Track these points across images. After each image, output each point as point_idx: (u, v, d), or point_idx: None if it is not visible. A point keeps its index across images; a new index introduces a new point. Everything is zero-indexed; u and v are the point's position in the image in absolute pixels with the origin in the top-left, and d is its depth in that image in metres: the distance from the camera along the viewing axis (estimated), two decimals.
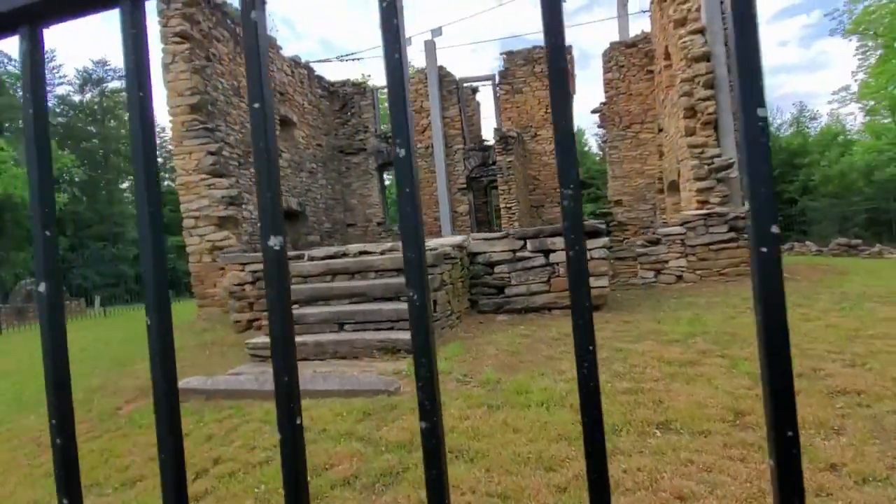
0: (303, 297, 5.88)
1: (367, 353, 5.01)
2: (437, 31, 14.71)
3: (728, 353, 4.39)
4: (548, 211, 14.84)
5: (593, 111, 14.96)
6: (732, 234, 8.16)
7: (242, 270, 7.68)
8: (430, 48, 15.11)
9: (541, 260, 6.63)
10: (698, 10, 10.00)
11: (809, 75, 72.94)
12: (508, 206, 12.99)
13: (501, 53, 15.14)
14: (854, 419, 2.99)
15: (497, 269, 6.79)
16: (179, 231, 30.04)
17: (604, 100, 14.85)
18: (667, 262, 8.44)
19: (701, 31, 9.86)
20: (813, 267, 9.49)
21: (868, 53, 22.29)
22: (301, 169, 14.37)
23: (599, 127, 15.13)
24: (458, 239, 6.79)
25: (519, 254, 6.73)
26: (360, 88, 16.58)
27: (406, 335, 5.01)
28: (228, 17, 11.98)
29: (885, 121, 17.86)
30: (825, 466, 2.50)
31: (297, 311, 5.61)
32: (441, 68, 15.45)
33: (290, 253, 7.59)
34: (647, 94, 14.27)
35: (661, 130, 13.37)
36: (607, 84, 14.74)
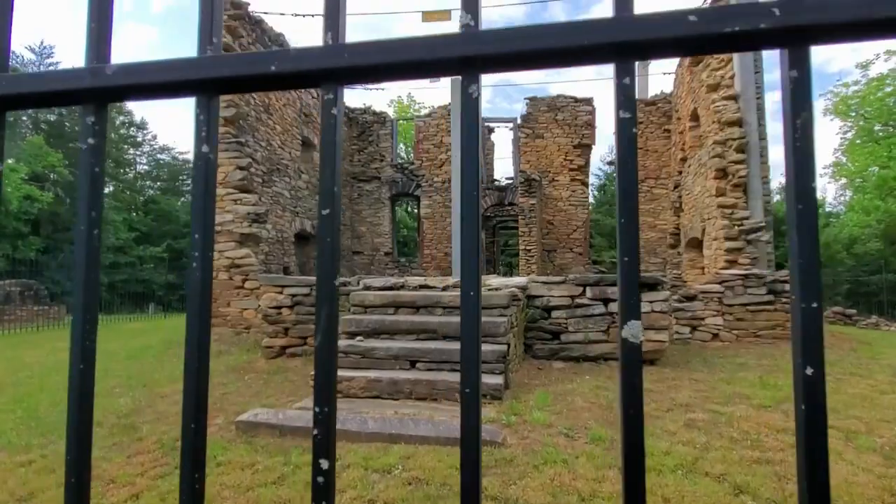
0: (366, 329, 5.59)
1: (447, 395, 4.73)
2: None
3: (833, 424, 4.30)
4: (560, 256, 14.91)
5: (609, 162, 15.29)
6: (771, 297, 8.27)
7: (281, 293, 7.31)
8: (456, 85, 15.29)
9: (600, 308, 6.53)
10: (732, 77, 10.44)
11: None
12: (528, 248, 12.98)
13: (525, 98, 15.49)
14: None
15: (554, 314, 6.64)
16: (158, 242, 28.91)
17: None
18: (703, 319, 8.46)
19: (734, 98, 10.27)
20: (836, 336, 9.67)
21: (848, 134, 23.72)
22: (316, 191, 14.11)
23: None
24: (521, 280, 6.64)
25: (578, 300, 6.61)
26: (380, 118, 16.60)
27: (490, 379, 4.78)
28: (266, 34, 11.89)
29: (878, 201, 18.94)
30: None
31: (363, 343, 5.31)
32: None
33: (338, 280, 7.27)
34: (663, 152, 14.73)
35: (676, 187, 13.73)
36: None
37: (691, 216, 11.89)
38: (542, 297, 6.71)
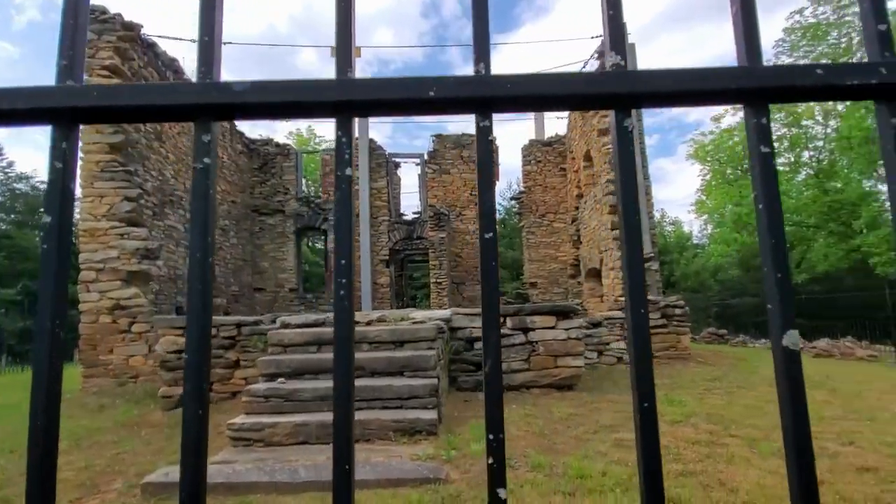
0: (288, 369, 5.24)
1: (381, 434, 4.53)
2: None
3: (735, 433, 4.75)
4: (469, 288, 15.22)
5: (513, 198, 16.12)
6: (664, 321, 9.06)
7: (182, 335, 6.62)
8: (363, 120, 15.35)
9: (521, 338, 6.72)
10: None
11: (666, 187, 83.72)
12: (439, 280, 13.09)
13: (432, 135, 15.94)
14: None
15: (477, 345, 6.71)
16: (12, 283, 25.03)
17: (522, 189, 16.14)
18: (608, 343, 9.04)
19: None
20: (717, 354, 10.80)
21: (706, 176, 27.25)
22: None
23: (518, 213, 16.27)
24: (444, 313, 6.64)
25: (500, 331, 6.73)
26: (284, 150, 16.07)
27: (425, 414, 4.67)
28: (160, 58, 11.13)
29: (735, 234, 21.88)
30: None
31: (286, 386, 4.96)
32: (371, 140, 15.71)
33: (249, 318, 6.79)
34: (561, 188, 15.84)
35: (574, 221, 14.78)
36: (526, 175, 16.13)
37: (589, 248, 12.83)
38: (464, 328, 6.76)
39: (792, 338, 0.63)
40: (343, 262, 0.64)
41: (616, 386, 7.02)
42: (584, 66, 13.00)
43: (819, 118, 22.97)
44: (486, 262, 0.60)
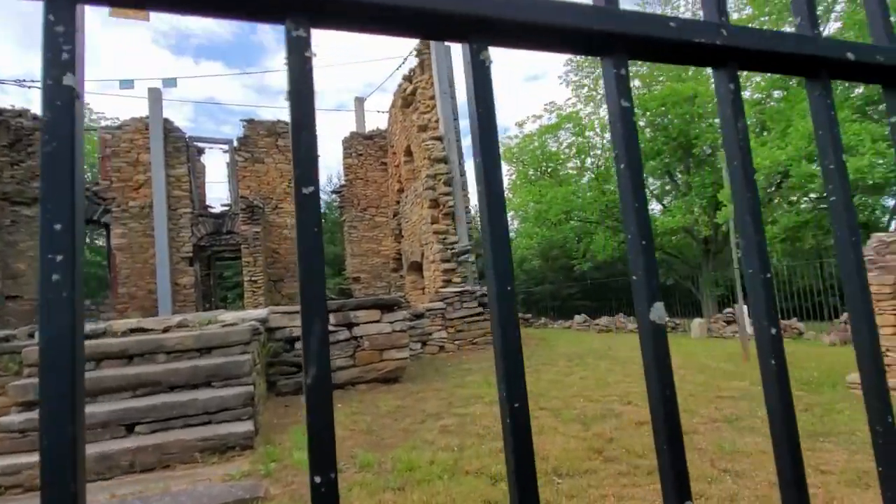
0: None
1: (184, 457, 3.90)
2: (170, 82, 13.10)
3: (543, 406, 5.22)
4: (288, 285, 14.31)
5: (334, 191, 15.65)
6: (480, 309, 9.67)
7: None
8: (154, 96, 13.25)
9: (345, 334, 6.49)
10: (437, 121, 12.04)
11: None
12: (254, 279, 12.00)
13: (242, 120, 14.53)
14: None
15: (298, 345, 6.28)
16: None
17: (343, 182, 15.77)
18: (431, 334, 9.31)
19: (440, 139, 11.84)
20: (524, 337, 11.93)
21: (513, 176, 30.18)
22: None
23: (339, 207, 15.85)
24: (260, 313, 6.03)
25: None
26: None
27: (238, 427, 4.17)
28: None
29: (536, 228, 24.64)
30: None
31: None
32: (167, 121, 13.65)
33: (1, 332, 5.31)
34: (382, 183, 15.89)
35: (395, 215, 14.96)
36: (347, 168, 15.79)
37: (411, 242, 13.11)
38: (283, 328, 6.27)
39: (657, 311, 0.58)
40: (58, 227, 0.39)
41: (439, 374, 7.24)
42: (403, 62, 13.21)
43: (598, 130, 27.06)
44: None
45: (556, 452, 3.91)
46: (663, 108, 20.73)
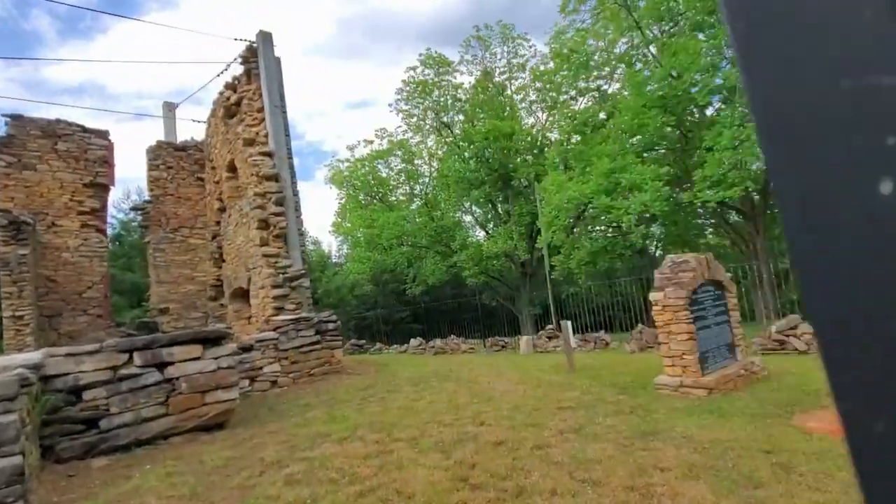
0: None
1: None
2: None
3: (398, 436, 4.86)
4: (67, 321, 11.52)
5: (134, 208, 13.30)
6: (318, 337, 8.97)
7: None
8: None
9: (155, 376, 5.33)
10: (266, 136, 11.11)
11: (306, 209, 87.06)
12: (19, 314, 9.32)
13: (6, 116, 11.48)
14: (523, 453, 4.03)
15: (88, 394, 4.95)
16: None
17: (148, 198, 13.52)
18: (261, 368, 8.29)
19: (270, 155, 10.93)
20: (362, 363, 11.44)
21: (343, 200, 29.65)
22: None
23: (142, 227, 13.52)
24: (31, 357, 4.57)
25: (122, 371, 5.17)
26: None
27: None
28: None
29: (367, 253, 24.33)
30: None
31: None
32: None
33: None
34: (198, 201, 14.04)
35: (215, 237, 13.30)
36: (154, 182, 13.60)
37: (235, 266, 11.71)
38: (65, 375, 4.88)
39: None
40: None
41: (275, 414, 6.39)
42: (226, 68, 11.97)
43: (426, 158, 28.16)
44: None
45: (420, 488, 3.58)
46: (486, 141, 22.42)
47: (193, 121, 14.40)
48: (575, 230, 20.55)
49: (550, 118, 24.94)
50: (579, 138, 21.31)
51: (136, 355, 5.26)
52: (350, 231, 28.11)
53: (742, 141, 12.73)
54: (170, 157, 13.86)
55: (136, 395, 5.14)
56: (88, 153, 12.35)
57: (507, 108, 25.58)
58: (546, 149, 24.09)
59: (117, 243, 23.50)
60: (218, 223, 13.01)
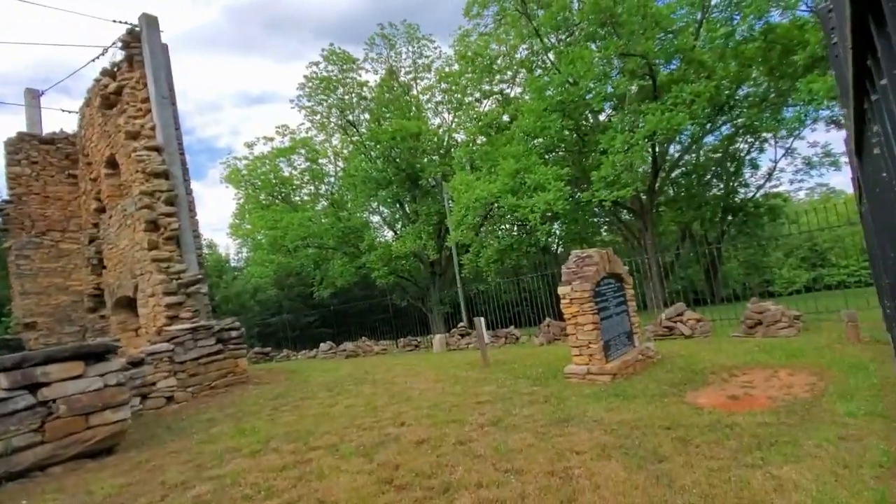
0: None
1: None
2: None
3: (315, 444, 4.65)
4: None
5: None
6: (220, 346, 8.36)
7: None
8: None
9: (27, 399, 4.63)
10: (153, 128, 10.14)
11: (199, 210, 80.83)
12: None
13: None
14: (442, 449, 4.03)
15: None
16: None
17: (7, 197, 11.76)
18: (154, 383, 7.55)
19: (157, 150, 9.99)
20: (270, 371, 10.85)
21: (241, 200, 27.99)
22: None
23: (2, 230, 11.72)
24: None
25: None
26: None
27: None
28: None
29: (272, 255, 23.10)
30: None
31: None
32: None
33: None
34: (70, 200, 12.45)
35: (92, 241, 11.87)
36: (14, 179, 11.82)
37: (119, 273, 10.53)
38: None
39: None
40: None
41: (174, 432, 5.84)
42: (103, 52, 10.71)
43: (331, 157, 27.40)
44: None
45: (344, 495, 3.45)
46: (394, 141, 22.31)
47: (63, 111, 12.75)
48: (482, 229, 21.12)
49: (456, 119, 25.41)
50: (485, 139, 21.93)
51: (1, 376, 4.53)
52: (250, 233, 26.64)
53: (632, 145, 13.83)
54: (34, 152, 12.14)
55: (4, 423, 4.43)
56: None
57: (414, 108, 25.67)
58: (453, 149, 24.53)
59: None
60: (96, 225, 11.61)
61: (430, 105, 26.21)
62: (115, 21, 10.32)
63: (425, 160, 24.58)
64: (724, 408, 4.80)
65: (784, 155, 22.74)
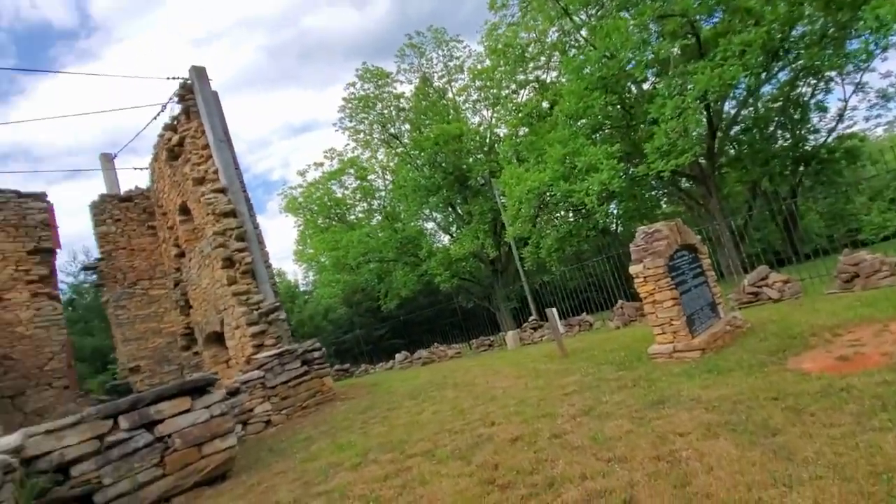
0: None
1: None
2: None
3: (412, 452, 4.75)
4: (33, 399, 10.78)
5: (85, 268, 12.64)
6: (305, 368, 8.72)
7: None
8: None
9: (145, 437, 5.02)
10: (216, 172, 10.77)
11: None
12: None
13: None
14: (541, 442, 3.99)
15: (76, 470, 4.61)
16: None
17: (100, 255, 12.87)
18: (252, 410, 7.99)
19: (223, 191, 10.59)
20: (353, 387, 11.20)
21: (301, 226, 29.10)
22: None
23: (97, 286, 12.84)
24: (8, 440, 4.22)
25: (109, 439, 4.86)
26: None
27: None
28: None
29: (337, 275, 23.90)
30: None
31: None
32: None
33: None
34: (153, 250, 13.46)
35: (177, 284, 12.77)
36: (103, 238, 12.94)
37: (205, 310, 11.26)
38: (48, 454, 4.53)
39: None
40: None
41: (276, 454, 6.15)
42: (162, 109, 11.53)
43: (379, 172, 27.99)
44: None
45: (450, 499, 3.50)
46: (437, 146, 22.49)
47: (135, 168, 13.82)
48: (538, 219, 20.84)
49: (496, 114, 25.28)
50: (527, 130, 21.65)
51: (121, 419, 4.94)
52: (313, 257, 27.65)
53: (683, 109, 13.22)
54: (116, 210, 13.24)
55: (128, 461, 4.83)
56: (27, 218, 11.65)
57: (451, 111, 25.78)
58: (496, 145, 24.42)
59: (71, 308, 22.30)
60: (178, 269, 12.50)
61: (467, 105, 26.24)
62: (168, 78, 11.07)
63: (471, 160, 24.61)
64: (833, 371, 4.48)
65: (854, 92, 20.93)
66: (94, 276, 12.97)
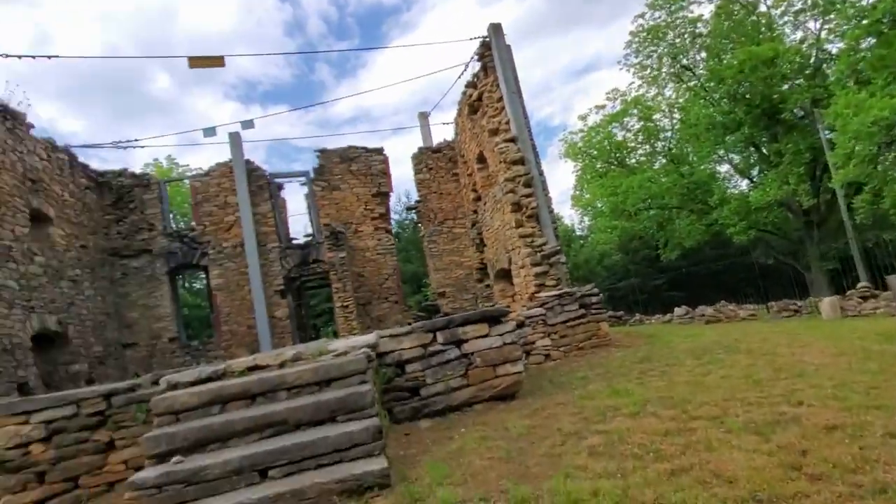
0: (186, 443, 4.12)
1: (322, 502, 3.66)
2: (248, 124, 13.68)
3: (695, 414, 4.58)
4: (375, 308, 14.35)
5: (408, 208, 15.68)
6: (583, 311, 9.07)
7: (26, 422, 5.10)
8: (235, 140, 13.88)
9: (454, 352, 6.14)
10: (508, 123, 11.62)
11: None
12: (345, 304, 12.09)
13: (316, 151, 14.94)
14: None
15: (409, 368, 6.01)
16: None
17: (418, 198, 15.77)
18: (534, 342, 8.82)
19: (513, 140, 11.40)
20: (628, 335, 11.14)
21: (578, 171, 29.06)
22: (61, 276, 10.93)
23: (416, 223, 15.85)
24: (368, 338, 5.83)
25: (430, 348, 6.11)
26: (142, 181, 13.97)
27: (371, 465, 3.88)
28: None
29: (614, 221, 23.52)
30: None
31: (184, 465, 3.87)
32: (249, 162, 14.27)
33: (122, 384, 5.42)
34: (455, 195, 15.69)
35: (474, 225, 14.65)
36: (420, 184, 15.77)
37: (495, 249, 12.71)
38: (391, 352, 6.02)
39: None
40: None
41: (556, 386, 6.73)
42: (465, 69, 12.96)
43: (666, 111, 25.53)
44: None
45: (742, 472, 3.29)
46: (741, 75, 19.12)
47: (444, 123, 16.20)
48: (881, 159, 15.93)
49: (827, 25, 19.80)
50: (874, 40, 16.29)
51: (438, 334, 6.16)
52: (590, 202, 27.52)
53: None
54: (429, 160, 15.84)
55: (443, 369, 6.04)
56: (372, 168, 15.05)
57: (764, 29, 21.29)
58: (825, 65, 19.31)
59: (397, 240, 28.06)
60: (475, 212, 14.29)
61: (786, 18, 21.22)
62: (472, 38, 12.26)
63: (785, 88, 20.14)
64: None
65: None
66: (413, 215, 15.94)
